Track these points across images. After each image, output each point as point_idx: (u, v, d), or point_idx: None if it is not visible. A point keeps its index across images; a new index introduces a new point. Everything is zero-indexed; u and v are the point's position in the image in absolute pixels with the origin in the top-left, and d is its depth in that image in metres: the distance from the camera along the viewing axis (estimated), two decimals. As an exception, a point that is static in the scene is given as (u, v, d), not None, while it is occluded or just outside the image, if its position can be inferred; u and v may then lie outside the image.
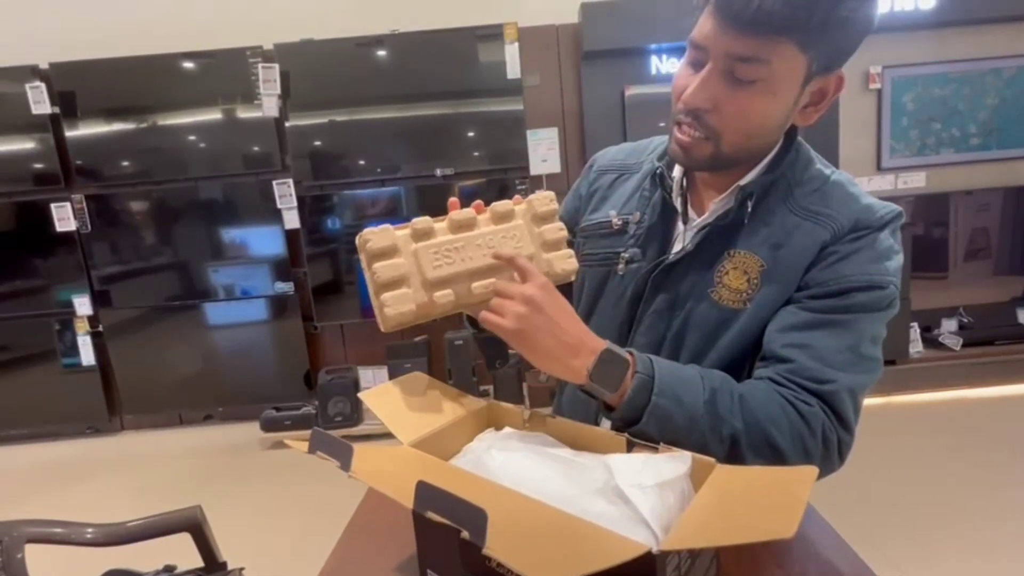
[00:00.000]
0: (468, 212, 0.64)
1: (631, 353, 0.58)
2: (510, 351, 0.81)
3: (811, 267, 0.61)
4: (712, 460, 0.48)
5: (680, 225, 0.70)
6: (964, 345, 2.77)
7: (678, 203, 0.70)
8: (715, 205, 0.67)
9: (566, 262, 0.67)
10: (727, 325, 0.64)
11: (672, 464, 0.46)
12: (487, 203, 0.67)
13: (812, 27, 0.51)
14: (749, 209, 0.64)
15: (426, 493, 0.37)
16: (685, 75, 0.60)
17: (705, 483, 0.44)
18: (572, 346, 0.56)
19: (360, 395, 0.62)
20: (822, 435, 0.57)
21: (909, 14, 2.69)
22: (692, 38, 0.58)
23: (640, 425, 0.55)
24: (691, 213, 0.70)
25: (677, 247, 0.69)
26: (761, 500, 0.39)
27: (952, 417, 2.47)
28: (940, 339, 2.83)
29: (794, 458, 0.56)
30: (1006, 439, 2.20)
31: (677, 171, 0.71)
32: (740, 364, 0.65)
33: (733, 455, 0.56)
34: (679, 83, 0.61)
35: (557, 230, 0.67)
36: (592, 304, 0.77)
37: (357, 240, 0.60)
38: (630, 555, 0.33)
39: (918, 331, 2.78)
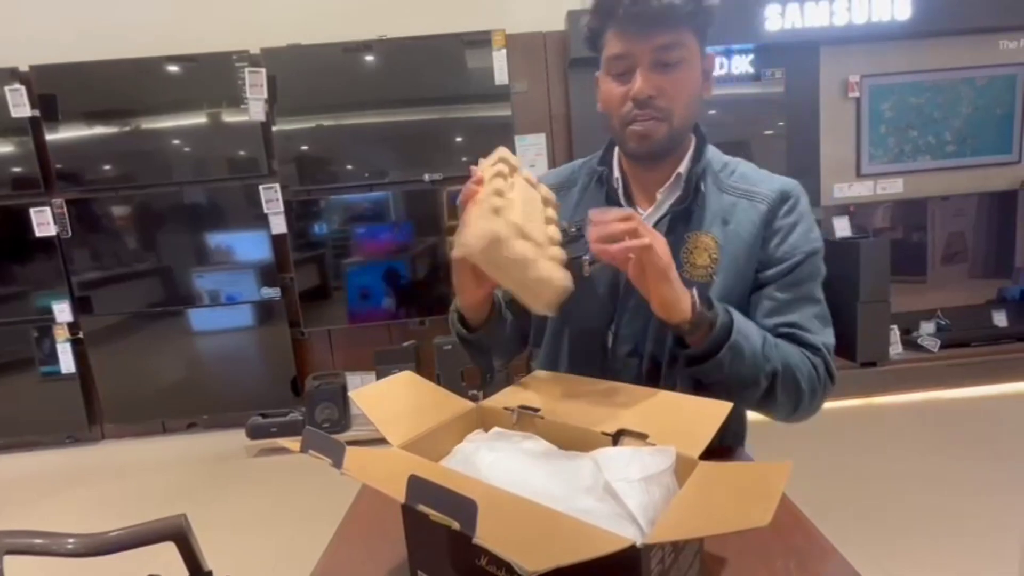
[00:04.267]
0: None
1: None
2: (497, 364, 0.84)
3: (765, 242, 0.75)
4: (694, 457, 0.49)
5: None
6: (942, 347, 2.84)
7: (623, 200, 0.79)
8: (663, 194, 0.78)
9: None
10: (702, 298, 0.72)
11: (657, 458, 0.47)
12: None
13: (698, 15, 0.68)
14: (704, 190, 0.76)
15: (417, 486, 0.37)
16: (614, 87, 0.72)
17: (688, 479, 0.45)
18: (682, 287, 0.65)
19: (351, 394, 0.62)
20: (822, 382, 0.72)
21: (886, 25, 2.77)
22: (611, 56, 0.71)
23: (718, 357, 0.65)
24: (638, 207, 0.79)
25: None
26: (740, 493, 0.40)
27: (930, 417, 2.53)
28: (919, 341, 2.89)
29: (807, 397, 0.71)
30: (983, 439, 2.26)
31: (616, 171, 0.80)
32: None
33: (769, 393, 0.69)
34: (612, 96, 0.72)
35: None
36: (567, 310, 0.79)
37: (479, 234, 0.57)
38: (615, 547, 0.34)
39: (897, 333, 2.85)
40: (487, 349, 0.82)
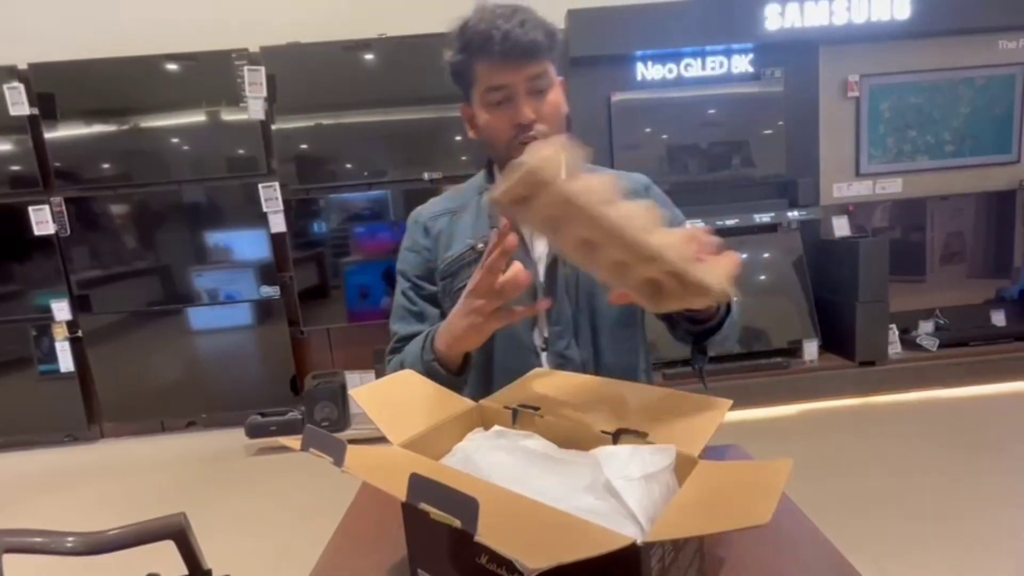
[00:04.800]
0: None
1: None
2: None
3: None
4: (694, 455, 0.49)
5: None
6: (940, 346, 2.84)
7: None
8: None
9: None
10: None
11: (657, 457, 0.47)
12: None
13: (554, 48, 0.79)
14: None
15: (419, 484, 0.37)
16: (496, 117, 0.79)
17: (688, 477, 0.46)
18: None
19: (351, 392, 0.62)
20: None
21: (885, 24, 2.77)
22: (490, 87, 0.78)
23: (732, 313, 0.75)
24: None
25: (538, 244, 0.87)
26: (740, 491, 0.40)
27: (929, 417, 2.53)
28: (917, 340, 2.90)
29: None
30: (982, 438, 2.27)
31: None
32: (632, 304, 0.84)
33: (735, 323, 0.79)
34: (497, 124, 0.79)
35: None
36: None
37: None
38: (615, 545, 0.34)
39: (896, 333, 2.86)
40: (463, 384, 0.83)
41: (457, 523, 0.34)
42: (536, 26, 0.75)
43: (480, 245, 0.85)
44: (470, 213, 0.89)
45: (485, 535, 0.33)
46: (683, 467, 0.48)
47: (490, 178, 0.90)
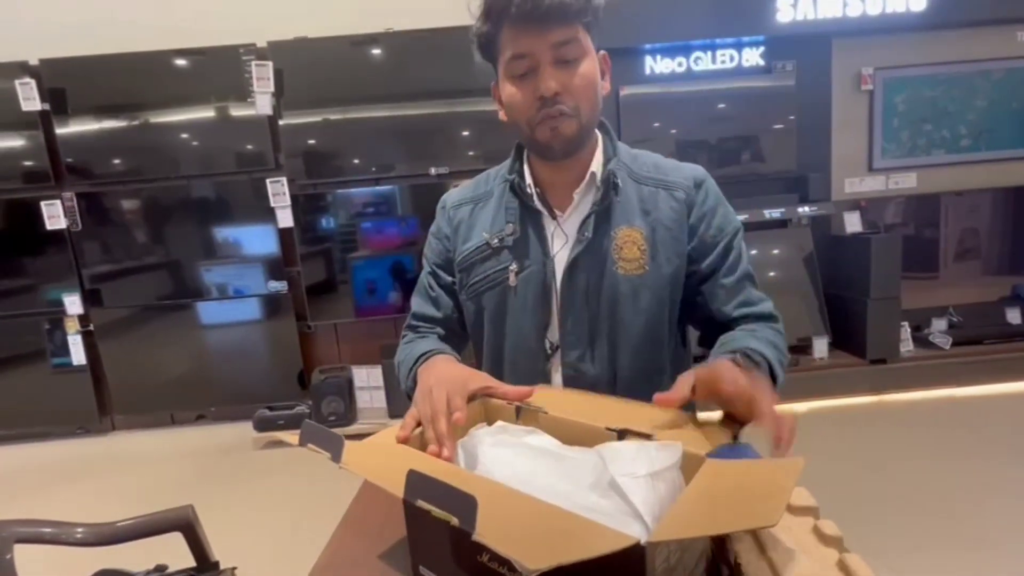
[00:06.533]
0: None
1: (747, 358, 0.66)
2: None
3: (693, 231, 0.78)
4: (701, 453, 0.48)
5: (550, 223, 0.79)
6: (954, 344, 2.80)
7: (539, 205, 0.79)
8: (579, 194, 0.78)
9: None
10: (640, 289, 0.76)
11: (663, 454, 0.46)
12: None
13: (587, 11, 0.69)
14: (622, 185, 0.77)
15: (416, 481, 0.37)
16: (519, 91, 0.71)
17: (695, 476, 0.44)
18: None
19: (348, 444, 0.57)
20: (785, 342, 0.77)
21: (900, 16, 2.71)
22: (512, 56, 0.70)
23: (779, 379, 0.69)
24: (555, 211, 0.79)
25: (558, 242, 0.79)
26: (749, 491, 0.39)
27: (942, 416, 2.50)
28: (930, 338, 2.85)
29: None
30: (994, 437, 2.23)
31: (528, 179, 0.79)
32: (660, 318, 0.78)
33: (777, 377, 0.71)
34: (519, 99, 0.72)
35: None
36: (499, 321, 0.81)
37: None
38: (619, 545, 0.33)
39: (908, 330, 2.81)
40: None
41: (455, 521, 0.33)
42: None
43: (495, 241, 0.80)
44: (492, 204, 0.83)
45: (484, 534, 0.32)
46: (690, 465, 0.47)
47: (517, 164, 0.82)
